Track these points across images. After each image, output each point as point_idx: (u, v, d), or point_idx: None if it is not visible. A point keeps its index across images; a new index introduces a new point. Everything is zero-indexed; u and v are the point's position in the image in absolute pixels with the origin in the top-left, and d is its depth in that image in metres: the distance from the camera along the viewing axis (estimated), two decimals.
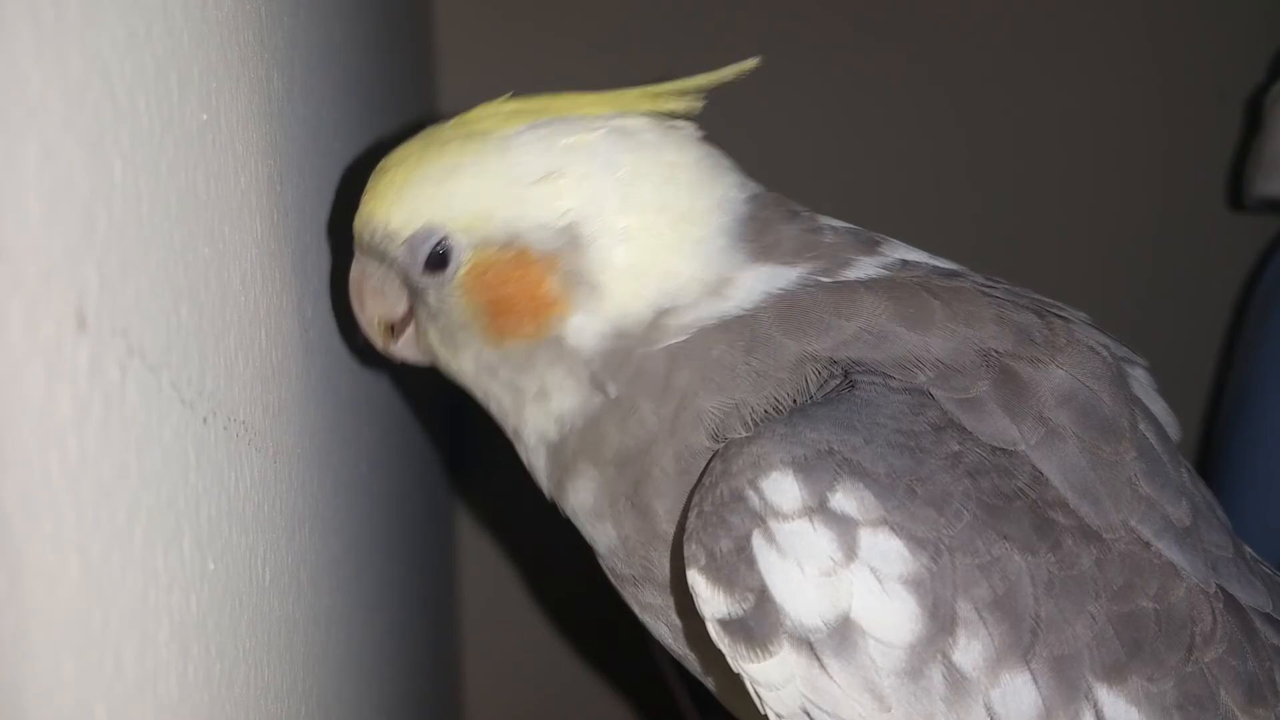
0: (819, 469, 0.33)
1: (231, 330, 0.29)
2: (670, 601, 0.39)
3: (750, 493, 0.33)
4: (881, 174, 1.15)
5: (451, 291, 0.39)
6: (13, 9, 0.18)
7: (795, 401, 0.36)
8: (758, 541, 0.32)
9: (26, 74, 0.18)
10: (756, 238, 0.40)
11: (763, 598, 0.32)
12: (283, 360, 0.35)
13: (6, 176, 0.18)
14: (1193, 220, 1.19)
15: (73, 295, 0.20)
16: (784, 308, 0.38)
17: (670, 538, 0.39)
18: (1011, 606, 0.32)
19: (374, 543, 0.55)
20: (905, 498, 0.33)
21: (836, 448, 0.33)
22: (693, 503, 0.35)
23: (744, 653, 0.33)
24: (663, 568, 0.39)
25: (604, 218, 0.38)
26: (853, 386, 0.36)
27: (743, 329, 0.38)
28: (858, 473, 0.33)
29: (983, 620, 0.32)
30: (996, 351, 0.37)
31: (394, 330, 0.42)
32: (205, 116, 0.28)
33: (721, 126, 0.44)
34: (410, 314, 0.41)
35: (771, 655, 0.32)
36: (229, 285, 0.29)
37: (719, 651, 0.34)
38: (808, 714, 0.33)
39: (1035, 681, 0.32)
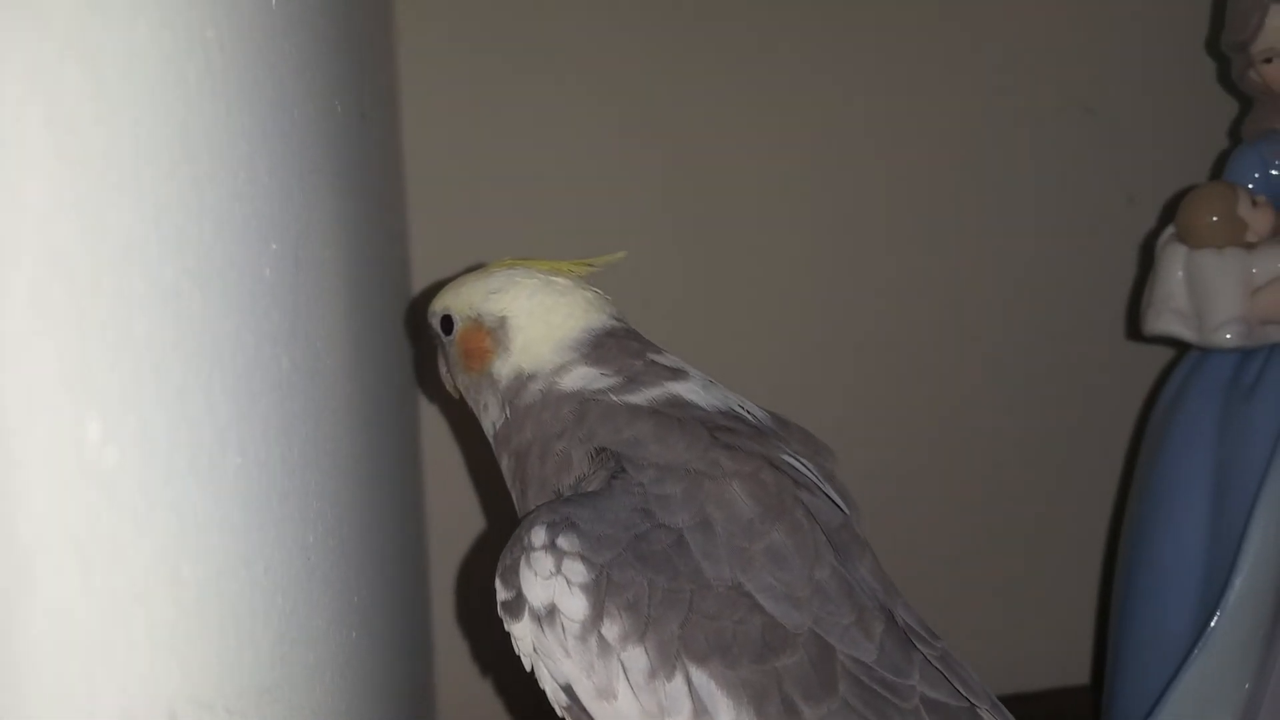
0: (557, 525, 0.58)
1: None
2: None
3: (525, 537, 0.59)
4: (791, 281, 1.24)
5: (453, 344, 0.72)
6: None
7: (587, 462, 0.63)
8: (521, 562, 0.59)
9: None
10: (592, 351, 0.67)
11: (519, 591, 0.58)
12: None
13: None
14: (1094, 347, 1.30)
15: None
16: (602, 410, 0.64)
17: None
18: (636, 609, 0.56)
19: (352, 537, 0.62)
20: (594, 542, 0.57)
21: (571, 516, 0.58)
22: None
23: (509, 619, 0.59)
24: None
25: (517, 316, 0.69)
26: (611, 479, 0.60)
27: (579, 405, 0.65)
28: (575, 529, 0.58)
29: (619, 614, 0.56)
30: (695, 469, 0.60)
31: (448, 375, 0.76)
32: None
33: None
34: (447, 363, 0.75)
35: (520, 621, 0.59)
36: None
37: None
38: (537, 654, 0.59)
39: (646, 653, 0.56)
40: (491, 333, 0.69)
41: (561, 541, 0.57)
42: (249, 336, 0.43)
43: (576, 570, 0.57)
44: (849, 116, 1.22)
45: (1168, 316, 1.07)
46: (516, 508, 0.69)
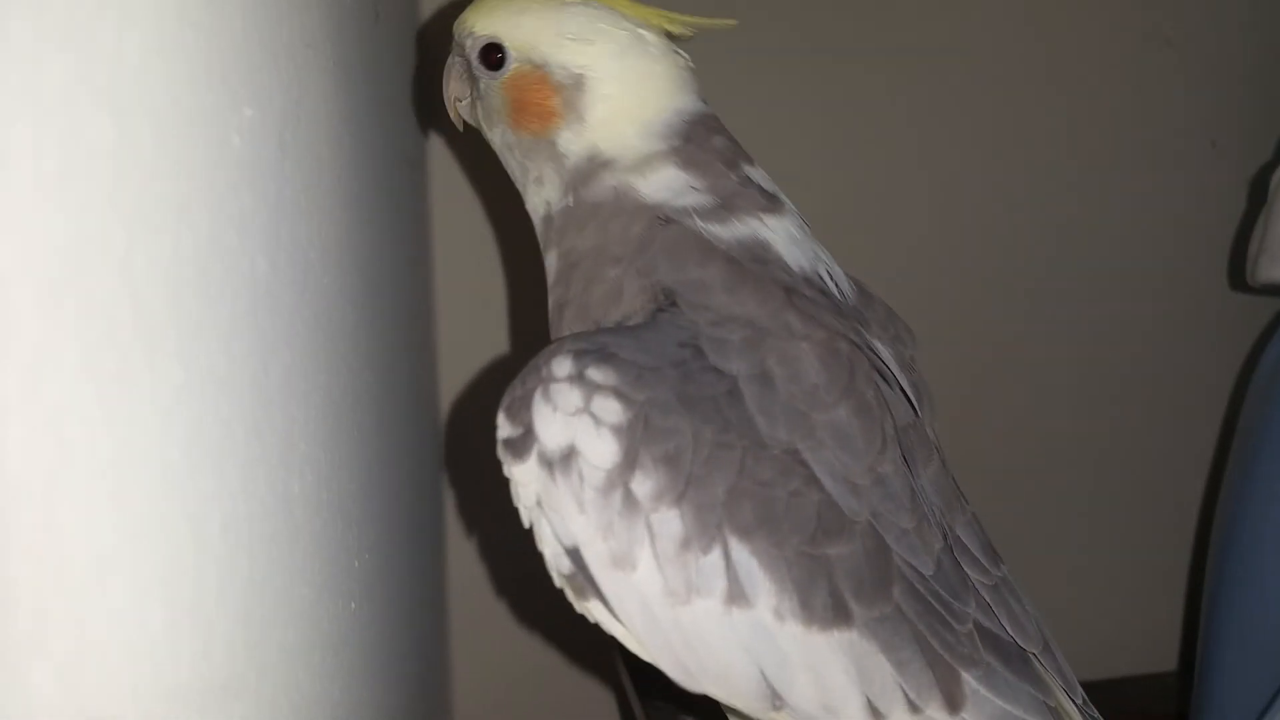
0: (588, 354, 0.48)
1: None
2: None
3: (544, 368, 0.48)
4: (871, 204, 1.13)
5: (496, 86, 0.57)
6: None
7: (640, 298, 0.52)
8: (536, 395, 0.48)
9: None
10: (684, 145, 0.55)
11: (528, 428, 0.48)
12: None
13: None
14: (1192, 298, 1.18)
15: None
16: (673, 239, 0.53)
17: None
18: (675, 464, 0.47)
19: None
20: (633, 377, 0.48)
21: (608, 345, 0.49)
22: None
23: (509, 459, 0.49)
24: None
25: (601, 80, 0.55)
26: (657, 311, 0.51)
27: (651, 226, 0.53)
28: (611, 360, 0.48)
29: (655, 467, 0.47)
30: (762, 326, 0.51)
31: (459, 101, 0.61)
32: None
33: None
34: (471, 94, 0.60)
35: (523, 463, 0.48)
36: None
37: None
38: (540, 508, 0.49)
39: (681, 517, 0.47)
40: (561, 91, 0.55)
41: (593, 373, 0.48)
42: (200, 213, 0.31)
43: (609, 408, 0.47)
44: (922, 52, 1.09)
45: None
46: (551, 324, 0.58)
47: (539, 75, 0.55)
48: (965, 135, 1.12)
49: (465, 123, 0.63)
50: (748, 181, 0.55)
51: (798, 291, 0.53)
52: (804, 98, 1.08)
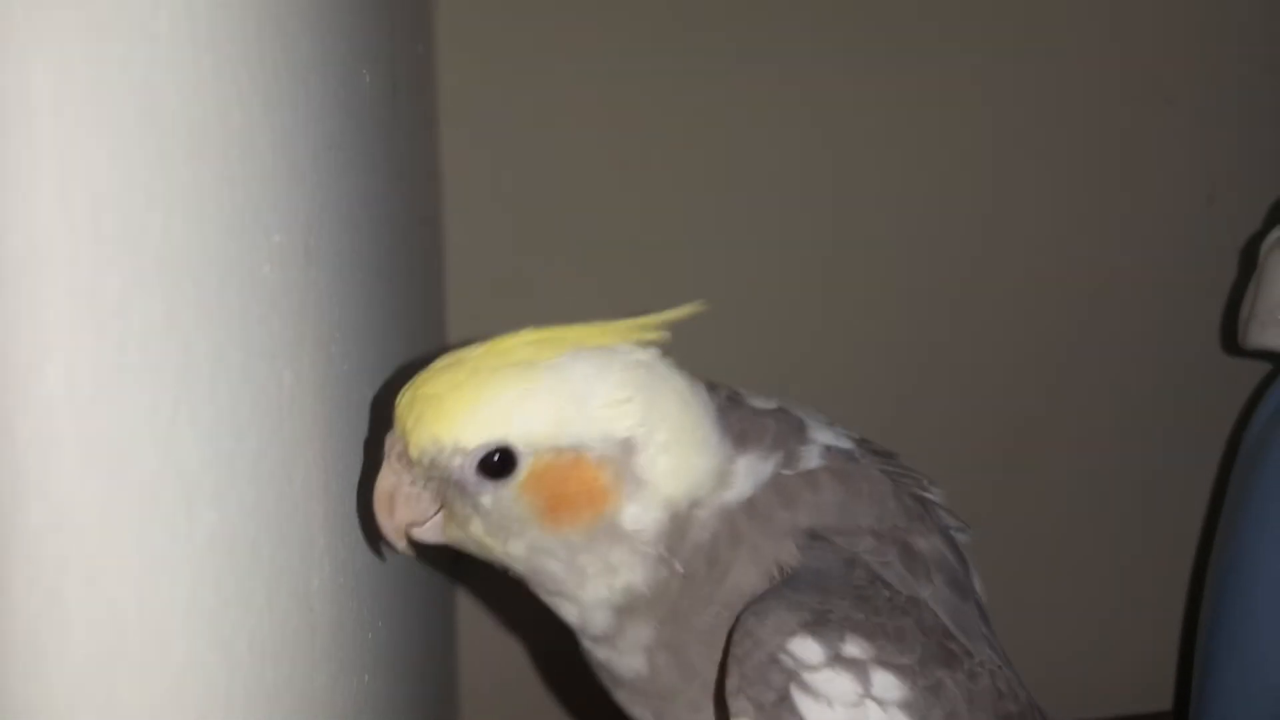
0: (825, 628, 0.43)
1: None
2: None
3: (783, 655, 0.43)
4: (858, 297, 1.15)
5: (509, 492, 0.46)
6: None
7: (787, 563, 0.48)
8: (795, 692, 0.42)
9: None
10: (727, 431, 0.49)
11: None
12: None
13: None
14: (1185, 361, 1.20)
15: None
16: (776, 490, 0.49)
17: (703, 675, 0.48)
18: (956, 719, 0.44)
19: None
20: (883, 638, 0.44)
21: (825, 605, 0.44)
22: (731, 662, 0.44)
23: None
24: (690, 696, 0.49)
25: (651, 432, 0.47)
26: (808, 555, 0.47)
27: (754, 511, 0.49)
28: (850, 623, 0.44)
29: None
30: (899, 527, 0.50)
31: (415, 526, 0.49)
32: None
33: None
34: (442, 509, 0.48)
35: None
36: None
37: None
38: None
39: None
40: (607, 465, 0.46)
41: (849, 647, 0.43)
42: (235, 353, 0.34)
43: (886, 684, 0.42)
44: (919, 109, 1.12)
45: (1274, 330, 0.97)
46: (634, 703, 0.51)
47: (572, 459, 0.45)
48: (960, 192, 1.15)
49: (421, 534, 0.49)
50: (777, 415, 0.52)
51: (887, 472, 0.52)
52: (823, 176, 1.11)
